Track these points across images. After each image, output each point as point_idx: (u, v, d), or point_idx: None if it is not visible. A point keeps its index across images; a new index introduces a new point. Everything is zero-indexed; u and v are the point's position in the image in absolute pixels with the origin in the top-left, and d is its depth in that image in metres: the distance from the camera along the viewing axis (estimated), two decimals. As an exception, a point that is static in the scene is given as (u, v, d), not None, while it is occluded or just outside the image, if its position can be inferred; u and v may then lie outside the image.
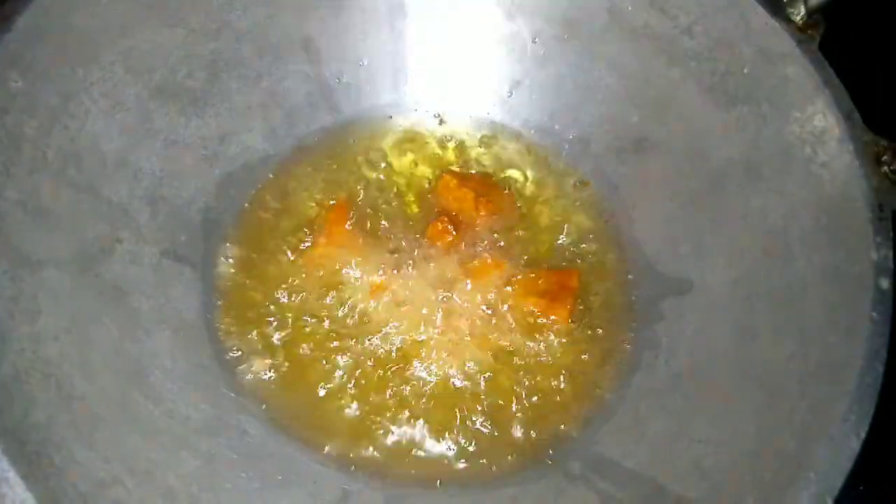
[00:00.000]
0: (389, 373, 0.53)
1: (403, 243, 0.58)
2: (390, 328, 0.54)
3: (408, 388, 0.53)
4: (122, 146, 0.52)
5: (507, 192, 0.62)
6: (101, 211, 0.50)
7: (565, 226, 0.60)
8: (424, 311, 0.55)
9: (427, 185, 0.62)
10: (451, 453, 0.51)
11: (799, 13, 0.50)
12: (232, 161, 0.60)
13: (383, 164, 0.63)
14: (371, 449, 0.51)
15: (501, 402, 0.53)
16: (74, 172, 0.49)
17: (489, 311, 0.55)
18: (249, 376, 0.52)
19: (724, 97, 0.53)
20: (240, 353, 0.53)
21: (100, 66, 0.50)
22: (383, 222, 0.59)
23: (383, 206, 0.60)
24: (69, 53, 0.48)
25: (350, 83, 0.64)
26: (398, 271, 0.56)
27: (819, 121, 0.47)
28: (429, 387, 0.53)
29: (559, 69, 0.63)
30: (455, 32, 0.64)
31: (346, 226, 0.59)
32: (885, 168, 0.44)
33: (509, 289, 0.56)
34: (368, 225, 0.59)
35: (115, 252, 0.50)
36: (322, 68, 0.63)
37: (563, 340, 0.55)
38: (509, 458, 0.51)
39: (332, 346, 0.54)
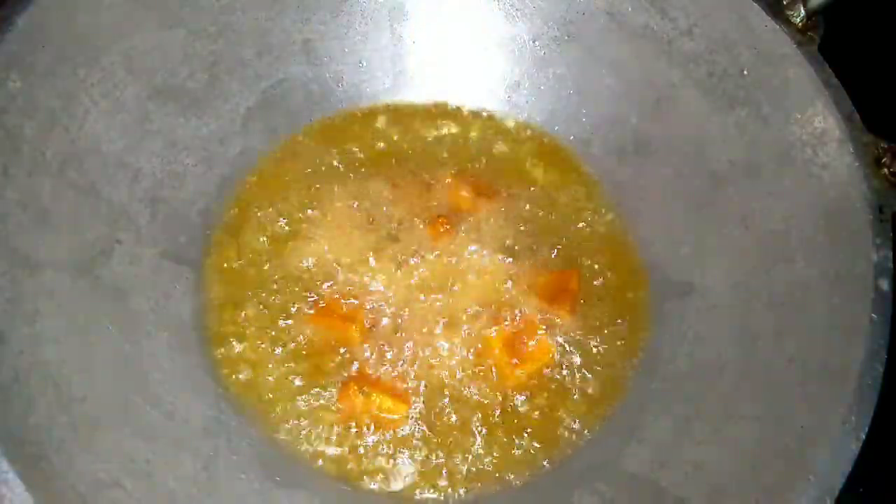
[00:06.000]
0: (389, 375, 0.53)
1: (405, 244, 0.58)
2: (390, 330, 0.54)
3: (407, 389, 0.53)
4: (122, 147, 0.52)
5: (506, 192, 0.62)
6: (101, 212, 0.50)
7: (566, 226, 0.60)
8: (425, 312, 0.55)
9: (428, 186, 0.61)
10: (450, 455, 0.51)
11: (798, 15, 0.50)
12: (232, 162, 0.60)
13: (383, 165, 0.63)
14: (369, 449, 0.51)
15: (501, 403, 0.52)
16: (74, 173, 0.49)
17: (489, 312, 0.55)
18: (248, 378, 0.52)
19: (724, 99, 0.53)
20: (239, 354, 0.53)
21: (100, 67, 0.50)
22: (385, 224, 0.59)
23: (385, 208, 0.60)
24: (69, 54, 0.48)
25: (350, 84, 0.64)
26: (399, 272, 0.56)
27: (819, 122, 0.47)
28: (428, 388, 0.53)
29: (559, 70, 0.63)
30: (455, 34, 0.64)
31: (347, 227, 0.59)
32: (885, 170, 0.45)
33: (509, 289, 0.56)
34: (370, 226, 0.59)
35: (115, 253, 0.50)
36: (322, 69, 0.63)
37: (563, 342, 0.55)
38: (509, 460, 0.51)
39: (331, 346, 0.54)
